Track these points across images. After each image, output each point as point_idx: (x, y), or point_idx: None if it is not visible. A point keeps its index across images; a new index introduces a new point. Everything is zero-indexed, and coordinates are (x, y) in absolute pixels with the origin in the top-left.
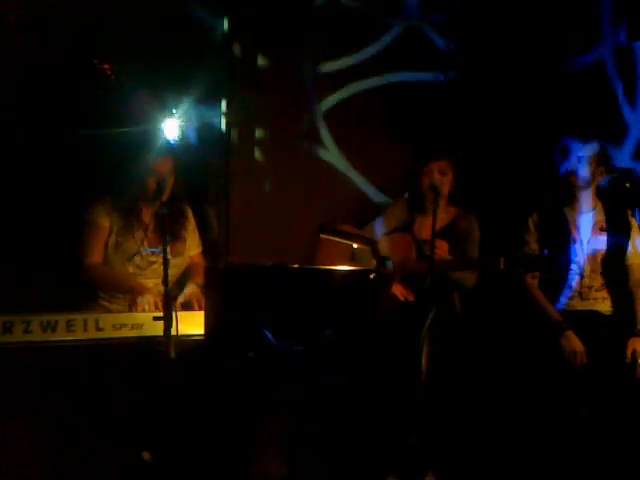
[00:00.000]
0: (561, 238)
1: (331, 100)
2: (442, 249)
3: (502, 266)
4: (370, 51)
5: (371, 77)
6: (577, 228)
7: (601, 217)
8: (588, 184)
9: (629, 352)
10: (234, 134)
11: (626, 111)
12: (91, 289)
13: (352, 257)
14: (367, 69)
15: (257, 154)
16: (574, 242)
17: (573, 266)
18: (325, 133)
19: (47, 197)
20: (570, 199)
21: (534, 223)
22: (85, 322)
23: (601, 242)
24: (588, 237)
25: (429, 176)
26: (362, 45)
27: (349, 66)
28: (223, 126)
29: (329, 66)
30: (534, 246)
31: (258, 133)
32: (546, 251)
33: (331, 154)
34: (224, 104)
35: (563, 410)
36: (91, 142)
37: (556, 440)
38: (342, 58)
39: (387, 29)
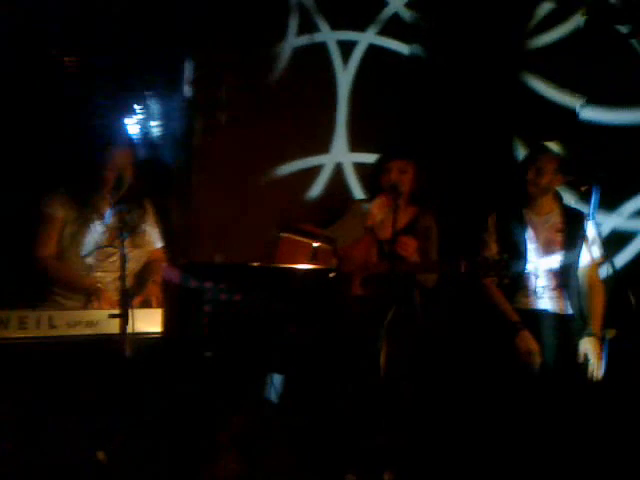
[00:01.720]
0: (519, 238)
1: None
2: (411, 246)
3: (463, 270)
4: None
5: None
6: (534, 229)
7: (558, 219)
8: (546, 190)
9: (582, 352)
10: (197, 129)
11: None
12: (46, 285)
13: (312, 256)
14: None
15: (220, 151)
16: (531, 242)
17: (529, 266)
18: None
19: (2, 190)
20: (528, 201)
21: (493, 223)
22: (38, 319)
23: (557, 243)
24: (544, 238)
25: (389, 175)
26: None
27: None
28: (186, 120)
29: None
30: (493, 246)
31: (223, 132)
32: (505, 256)
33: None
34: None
35: (519, 407)
36: (48, 133)
37: (513, 438)
38: None
39: None
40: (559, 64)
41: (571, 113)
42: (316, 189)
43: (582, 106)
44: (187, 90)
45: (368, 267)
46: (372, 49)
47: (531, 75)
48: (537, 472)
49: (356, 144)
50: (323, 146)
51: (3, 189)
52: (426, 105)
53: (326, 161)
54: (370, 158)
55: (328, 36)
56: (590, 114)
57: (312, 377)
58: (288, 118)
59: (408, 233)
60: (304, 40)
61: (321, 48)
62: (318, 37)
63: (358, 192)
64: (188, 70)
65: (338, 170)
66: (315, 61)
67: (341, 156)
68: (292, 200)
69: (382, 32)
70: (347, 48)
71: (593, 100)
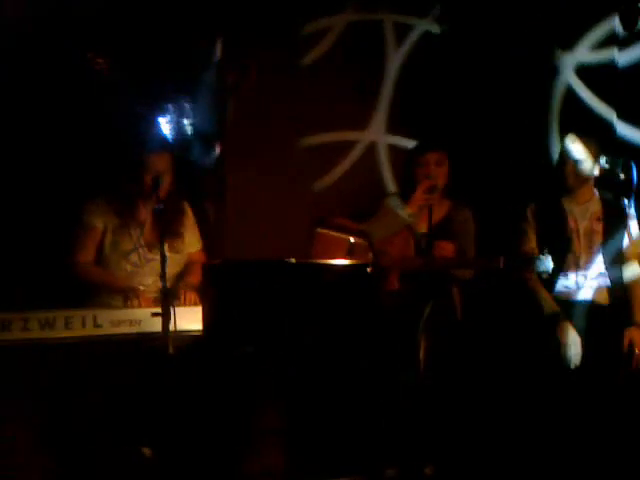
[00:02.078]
0: (559, 228)
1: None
2: (449, 250)
3: (500, 266)
4: None
5: None
6: (574, 218)
7: (597, 207)
8: (586, 180)
9: (626, 342)
10: (230, 131)
11: None
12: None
13: (348, 251)
14: None
15: (254, 150)
16: (571, 232)
17: (570, 256)
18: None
19: (46, 194)
20: (567, 191)
21: (532, 213)
22: (83, 319)
23: (598, 232)
24: (585, 227)
25: (424, 168)
26: None
27: None
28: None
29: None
30: (532, 237)
31: (255, 129)
32: (545, 251)
33: None
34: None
35: (560, 402)
36: (86, 139)
37: (553, 431)
38: None
39: None
40: (602, 76)
41: (608, 124)
42: (346, 164)
43: (618, 120)
44: (218, 77)
45: (404, 262)
46: (427, 36)
47: (572, 75)
48: (579, 465)
49: (394, 127)
50: (361, 123)
51: (47, 194)
52: (465, 96)
53: (361, 138)
54: (406, 142)
55: (385, 16)
56: (627, 132)
57: (350, 372)
58: (329, 92)
59: (444, 227)
60: (361, 16)
61: (377, 26)
62: (376, 15)
63: (387, 173)
64: (219, 52)
65: (371, 150)
66: (368, 38)
67: (377, 135)
68: (328, 197)
69: (438, 21)
70: (403, 31)
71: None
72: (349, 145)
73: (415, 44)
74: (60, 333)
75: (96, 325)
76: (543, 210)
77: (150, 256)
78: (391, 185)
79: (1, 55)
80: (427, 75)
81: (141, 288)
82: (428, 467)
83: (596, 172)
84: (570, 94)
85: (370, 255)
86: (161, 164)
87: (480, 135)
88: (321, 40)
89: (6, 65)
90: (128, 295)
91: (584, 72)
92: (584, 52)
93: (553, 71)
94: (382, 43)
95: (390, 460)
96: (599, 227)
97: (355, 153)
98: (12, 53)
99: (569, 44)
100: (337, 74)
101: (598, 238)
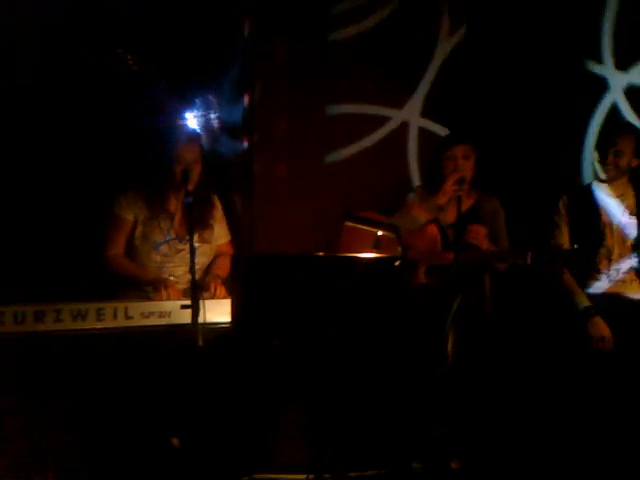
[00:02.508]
0: (591, 222)
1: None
2: (481, 234)
3: (529, 261)
4: None
5: None
6: (607, 212)
7: (631, 202)
8: (624, 172)
9: None
10: (258, 122)
11: None
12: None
13: (375, 244)
14: None
15: (281, 143)
16: (604, 226)
17: (602, 250)
18: None
19: (78, 187)
20: (602, 184)
21: (564, 206)
22: (114, 310)
23: (630, 227)
24: (618, 221)
25: (452, 162)
26: None
27: None
28: (247, 114)
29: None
30: (564, 229)
31: (282, 121)
32: (575, 246)
33: None
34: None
35: (589, 396)
36: (115, 133)
37: (583, 426)
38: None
39: None
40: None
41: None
42: (375, 137)
43: None
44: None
45: (432, 257)
46: (478, 30)
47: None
48: (608, 459)
49: (429, 111)
50: (397, 102)
51: (80, 187)
52: (505, 90)
53: (394, 116)
54: (438, 129)
55: (443, 1)
56: None
57: (376, 365)
58: (369, 68)
59: (471, 217)
60: None
61: (434, 10)
62: None
63: (414, 155)
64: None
65: (402, 129)
66: (422, 19)
67: (411, 116)
68: (356, 191)
69: (491, 16)
70: (458, 19)
71: None
72: (381, 122)
73: (466, 35)
74: (92, 324)
75: (127, 317)
76: (576, 203)
77: (180, 247)
78: (415, 165)
79: (34, 52)
80: (471, 67)
81: (171, 279)
82: (454, 461)
83: (634, 164)
84: (614, 110)
85: (398, 249)
86: (190, 155)
87: (515, 129)
88: (372, 14)
89: (37, 62)
90: (158, 287)
91: (633, 93)
92: (636, 75)
93: (602, 84)
94: (436, 27)
95: (415, 454)
96: (632, 221)
97: (385, 129)
98: (43, 50)
99: (624, 64)
100: (383, 50)
101: (631, 232)
